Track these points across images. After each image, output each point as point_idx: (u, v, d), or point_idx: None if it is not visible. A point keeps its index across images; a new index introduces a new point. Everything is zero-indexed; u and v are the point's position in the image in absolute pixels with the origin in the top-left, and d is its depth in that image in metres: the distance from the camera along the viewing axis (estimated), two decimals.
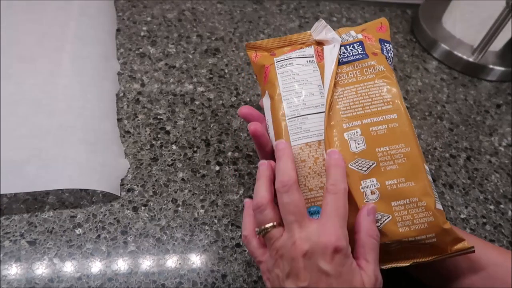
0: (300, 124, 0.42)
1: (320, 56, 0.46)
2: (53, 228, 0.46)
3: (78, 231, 0.47)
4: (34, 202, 0.48)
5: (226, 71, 0.67)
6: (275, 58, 0.46)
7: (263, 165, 0.41)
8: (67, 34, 0.62)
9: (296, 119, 0.43)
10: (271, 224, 0.38)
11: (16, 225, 0.46)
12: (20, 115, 0.52)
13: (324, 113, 0.42)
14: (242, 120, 0.60)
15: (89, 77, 0.58)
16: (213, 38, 0.72)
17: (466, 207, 0.56)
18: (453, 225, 0.53)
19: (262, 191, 0.39)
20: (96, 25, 0.66)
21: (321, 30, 0.46)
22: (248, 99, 0.64)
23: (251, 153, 0.57)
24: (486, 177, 0.60)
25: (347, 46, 0.45)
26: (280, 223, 0.38)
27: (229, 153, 0.57)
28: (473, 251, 0.39)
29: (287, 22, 0.78)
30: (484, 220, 0.55)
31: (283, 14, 0.79)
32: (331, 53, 0.45)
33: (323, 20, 0.46)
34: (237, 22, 0.75)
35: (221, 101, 0.63)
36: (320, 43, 0.47)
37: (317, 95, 0.44)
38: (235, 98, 0.63)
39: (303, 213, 0.37)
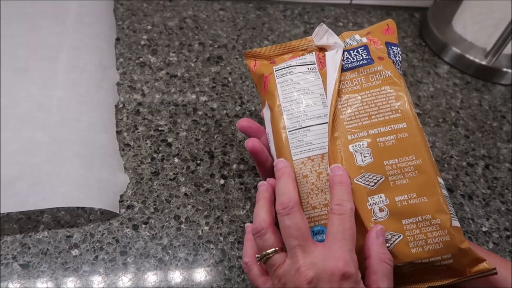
0: (302, 137, 0.40)
1: (322, 63, 0.43)
2: (47, 249, 0.43)
3: (75, 252, 0.44)
4: (28, 221, 0.45)
5: (230, 79, 0.64)
6: (274, 67, 0.44)
7: (262, 186, 0.39)
8: (63, 43, 0.59)
9: (297, 132, 0.40)
10: (272, 249, 0.35)
11: (8, 247, 0.43)
12: (12, 128, 0.49)
13: (327, 124, 0.40)
14: None
15: (86, 88, 0.56)
16: (216, 46, 0.69)
17: (488, 219, 0.53)
18: (474, 240, 0.50)
19: (261, 214, 0.37)
20: (93, 34, 0.64)
21: (323, 35, 0.44)
22: (253, 108, 0.61)
23: None
24: (506, 187, 0.57)
25: (351, 51, 0.43)
26: (283, 248, 0.36)
27: (234, 166, 0.54)
28: (495, 273, 0.36)
29: (291, 28, 0.75)
30: (508, 233, 0.52)
31: (288, 20, 0.77)
32: (333, 60, 0.42)
33: (324, 25, 0.44)
34: (240, 29, 0.73)
35: (225, 111, 0.60)
36: (322, 49, 0.44)
37: (319, 105, 0.41)
38: (240, 107, 0.61)
39: (307, 236, 0.34)
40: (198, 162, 0.53)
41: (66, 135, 0.49)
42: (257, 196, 0.39)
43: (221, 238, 0.47)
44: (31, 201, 0.43)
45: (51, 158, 0.47)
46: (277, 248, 0.35)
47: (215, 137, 0.56)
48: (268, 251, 0.35)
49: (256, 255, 0.37)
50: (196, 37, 0.70)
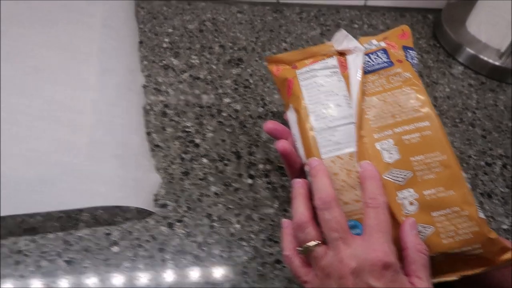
0: (330, 137, 0.41)
1: (344, 66, 0.45)
2: (89, 246, 0.45)
3: (115, 249, 0.45)
4: (68, 219, 0.47)
5: (251, 81, 0.66)
6: (297, 71, 0.45)
7: (298, 183, 0.40)
8: (92, 46, 0.61)
9: (325, 132, 0.41)
10: (314, 242, 0.37)
11: (52, 244, 0.45)
12: (51, 130, 0.51)
13: (353, 124, 0.41)
14: None
15: (116, 91, 0.57)
16: (236, 48, 0.71)
17: (508, 217, 0.55)
18: None
19: (301, 209, 0.38)
20: (119, 38, 0.65)
21: (342, 40, 0.45)
22: (275, 109, 0.62)
23: (282, 165, 0.55)
24: None
25: (371, 55, 0.45)
26: (323, 241, 0.37)
27: (261, 165, 0.55)
28: None
29: (308, 30, 0.77)
30: None
31: (304, 22, 0.78)
32: (355, 62, 0.44)
33: (343, 30, 0.45)
34: (258, 31, 0.75)
35: (248, 112, 0.61)
36: (342, 54, 0.46)
37: (344, 106, 0.42)
38: (262, 108, 0.62)
39: (346, 229, 0.36)
40: (226, 162, 0.55)
41: (101, 137, 0.51)
42: (294, 193, 0.40)
43: (253, 236, 0.49)
44: (72, 200, 0.45)
45: (89, 159, 0.49)
46: (318, 241, 0.37)
47: (240, 138, 0.58)
48: (309, 244, 0.37)
49: (298, 248, 0.38)
50: (216, 39, 0.72)
